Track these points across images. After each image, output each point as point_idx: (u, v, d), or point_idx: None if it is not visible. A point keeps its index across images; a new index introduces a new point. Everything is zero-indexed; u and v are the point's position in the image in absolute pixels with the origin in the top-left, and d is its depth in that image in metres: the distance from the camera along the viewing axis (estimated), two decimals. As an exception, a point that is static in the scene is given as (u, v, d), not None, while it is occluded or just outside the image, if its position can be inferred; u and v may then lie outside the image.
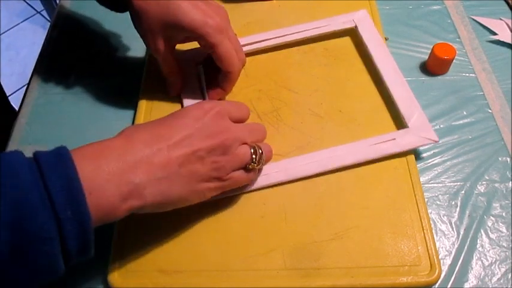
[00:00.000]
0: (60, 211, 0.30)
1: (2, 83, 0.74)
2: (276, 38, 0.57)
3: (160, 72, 0.52)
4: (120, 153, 0.35)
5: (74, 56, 0.59)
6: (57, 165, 0.32)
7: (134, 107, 0.53)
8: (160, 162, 0.36)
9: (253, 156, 0.42)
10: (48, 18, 1.76)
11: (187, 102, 0.52)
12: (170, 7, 0.46)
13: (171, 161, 0.36)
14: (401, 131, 0.48)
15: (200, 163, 0.38)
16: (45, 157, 0.32)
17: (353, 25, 0.58)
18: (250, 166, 0.42)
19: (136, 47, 0.59)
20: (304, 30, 0.57)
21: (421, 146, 0.48)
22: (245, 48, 0.56)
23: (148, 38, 0.48)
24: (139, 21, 0.47)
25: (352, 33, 0.58)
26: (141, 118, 0.51)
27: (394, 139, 0.48)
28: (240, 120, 0.44)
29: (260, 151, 0.42)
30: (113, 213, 0.34)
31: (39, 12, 1.84)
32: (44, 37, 0.62)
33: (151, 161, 0.35)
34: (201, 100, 0.52)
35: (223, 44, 0.47)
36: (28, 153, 0.42)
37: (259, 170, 0.45)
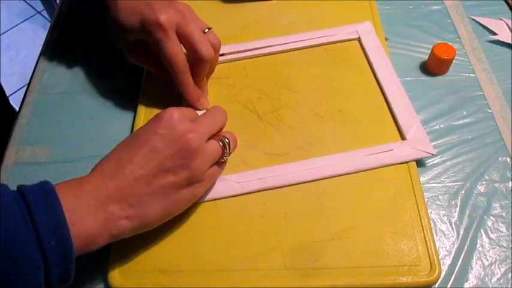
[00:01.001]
0: (45, 241, 0.32)
1: (2, 83, 0.74)
2: (278, 45, 0.57)
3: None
4: (94, 188, 0.36)
5: (74, 56, 0.59)
6: (43, 197, 0.33)
7: (134, 107, 0.53)
8: (128, 187, 0.36)
9: (224, 149, 0.42)
10: (48, 18, 1.76)
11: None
12: (122, 11, 0.47)
13: (137, 183, 0.37)
14: (399, 143, 0.48)
15: (171, 173, 0.38)
16: (30, 190, 0.34)
17: (356, 36, 0.58)
18: (222, 160, 0.43)
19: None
20: (308, 39, 0.57)
21: (418, 158, 0.47)
22: (247, 54, 0.56)
23: (120, 47, 0.50)
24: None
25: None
26: (141, 118, 0.51)
27: (392, 150, 0.48)
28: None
29: (227, 141, 0.43)
30: (94, 243, 0.36)
31: (39, 12, 1.84)
32: (44, 37, 0.63)
33: (120, 190, 0.36)
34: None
35: (163, 41, 0.45)
36: (28, 153, 0.42)
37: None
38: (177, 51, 0.46)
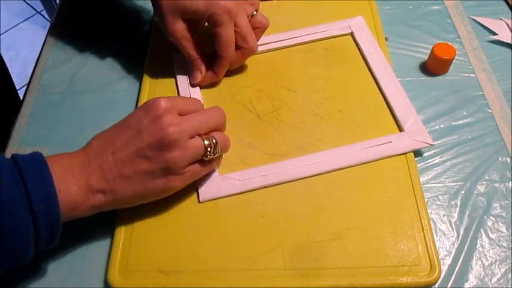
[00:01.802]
0: (35, 204, 0.36)
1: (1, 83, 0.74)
2: (274, 42, 0.57)
3: (160, 73, 0.52)
4: (80, 164, 0.40)
5: (74, 56, 0.59)
6: (34, 166, 0.37)
7: (134, 107, 0.53)
8: (107, 167, 0.40)
9: (208, 148, 0.42)
10: (48, 18, 1.76)
11: (181, 85, 0.54)
12: None
13: (116, 165, 0.40)
14: (397, 135, 0.49)
15: (147, 161, 0.40)
16: (23, 158, 0.38)
17: (349, 31, 0.58)
18: (206, 158, 0.42)
19: (137, 49, 0.59)
20: (302, 36, 0.58)
21: (417, 149, 0.48)
22: None
23: (164, 21, 0.50)
24: (155, 5, 0.50)
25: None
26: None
27: (391, 142, 0.48)
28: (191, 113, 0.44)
29: (214, 141, 0.43)
30: (77, 209, 0.39)
31: (39, 12, 1.84)
32: (44, 37, 0.62)
33: (101, 168, 0.40)
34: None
35: (224, 26, 0.49)
36: (28, 153, 0.42)
37: (220, 157, 0.46)
38: (233, 36, 0.50)
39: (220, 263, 0.42)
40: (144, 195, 0.41)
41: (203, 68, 0.53)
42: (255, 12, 0.52)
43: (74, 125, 0.53)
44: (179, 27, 0.50)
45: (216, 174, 0.47)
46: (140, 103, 0.52)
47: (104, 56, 0.59)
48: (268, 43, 0.57)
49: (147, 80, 0.55)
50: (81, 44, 0.61)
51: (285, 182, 0.46)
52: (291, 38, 0.58)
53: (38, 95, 0.55)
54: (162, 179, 0.41)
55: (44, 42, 0.62)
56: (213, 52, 0.53)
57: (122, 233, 0.43)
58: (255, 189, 0.46)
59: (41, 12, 1.83)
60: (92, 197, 0.40)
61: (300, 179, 0.46)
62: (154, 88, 0.54)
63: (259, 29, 0.54)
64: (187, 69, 0.54)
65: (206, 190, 0.45)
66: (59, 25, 0.63)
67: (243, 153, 0.48)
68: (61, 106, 0.54)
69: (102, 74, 0.57)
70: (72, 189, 0.39)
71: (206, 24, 0.51)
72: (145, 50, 0.58)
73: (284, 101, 0.53)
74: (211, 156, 0.43)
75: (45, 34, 0.63)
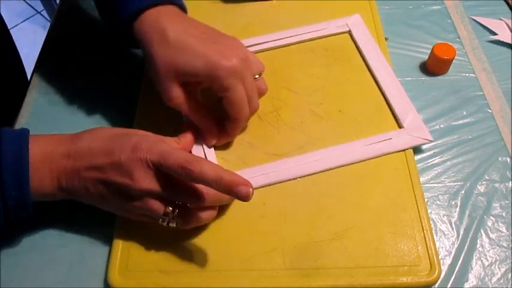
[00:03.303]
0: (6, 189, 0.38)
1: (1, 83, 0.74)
2: (272, 41, 0.57)
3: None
4: (60, 157, 0.41)
5: (74, 56, 0.59)
6: (15, 140, 0.40)
7: (134, 107, 0.53)
8: (78, 175, 0.40)
9: (164, 217, 0.40)
10: (48, 18, 1.76)
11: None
12: (178, 51, 0.43)
13: (85, 178, 0.40)
14: (397, 131, 0.49)
15: (108, 190, 0.40)
16: (8, 131, 0.40)
17: (347, 29, 0.58)
18: (160, 222, 0.40)
19: (137, 48, 0.59)
20: (300, 34, 0.58)
21: (417, 145, 0.48)
22: None
23: (160, 87, 0.45)
24: (149, 68, 0.46)
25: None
26: (141, 118, 0.51)
27: (390, 139, 0.48)
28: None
29: (174, 213, 0.40)
30: (46, 195, 0.41)
31: (39, 12, 1.84)
32: (44, 37, 0.62)
33: (73, 169, 0.41)
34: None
35: (235, 89, 0.44)
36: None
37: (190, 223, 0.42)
38: (245, 97, 0.45)
39: (220, 263, 0.42)
40: (100, 205, 0.42)
41: (214, 131, 0.48)
42: (257, 76, 0.47)
43: (74, 125, 0.52)
44: (176, 94, 0.45)
45: (216, 174, 0.47)
46: (140, 103, 0.52)
47: (105, 56, 0.59)
48: (265, 42, 0.57)
49: (148, 79, 0.55)
50: (81, 44, 0.61)
51: (285, 181, 0.46)
52: (288, 37, 0.58)
53: (38, 95, 0.55)
54: (119, 206, 0.42)
55: (44, 42, 0.62)
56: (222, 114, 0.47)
57: (122, 233, 0.43)
58: (256, 189, 0.46)
59: (41, 12, 1.83)
60: (59, 194, 0.41)
61: (300, 177, 0.46)
62: (154, 89, 0.54)
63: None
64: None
65: (206, 190, 0.45)
66: (58, 25, 0.63)
67: (243, 153, 0.48)
68: (61, 106, 0.54)
69: (103, 73, 0.57)
70: (45, 174, 0.40)
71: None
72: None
73: (284, 101, 0.53)
74: (164, 224, 0.40)
75: (45, 34, 0.63)
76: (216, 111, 0.47)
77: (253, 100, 0.46)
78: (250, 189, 0.38)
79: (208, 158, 0.47)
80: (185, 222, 0.41)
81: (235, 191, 0.38)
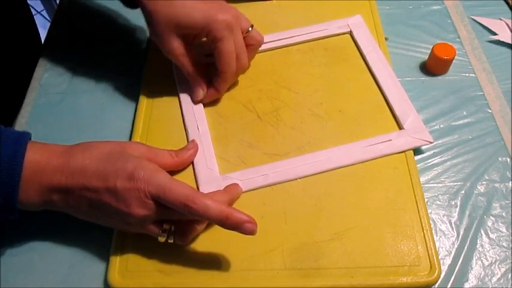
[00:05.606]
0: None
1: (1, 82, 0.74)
2: (272, 41, 0.57)
3: (160, 73, 0.52)
4: (53, 170, 0.40)
5: (74, 56, 0.59)
6: (13, 143, 0.39)
7: (134, 107, 0.53)
8: (72, 194, 0.40)
9: (163, 233, 0.41)
10: (48, 18, 1.76)
11: (184, 98, 0.53)
12: (178, 5, 0.47)
13: (78, 199, 0.40)
14: (397, 133, 0.49)
15: (102, 209, 0.40)
16: (9, 131, 0.40)
17: (348, 30, 0.58)
18: (159, 239, 0.41)
19: (137, 48, 0.59)
20: (301, 35, 0.58)
21: (417, 147, 0.48)
22: None
23: (161, 39, 0.49)
24: (150, 22, 0.49)
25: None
26: (141, 118, 0.51)
27: (390, 140, 0.48)
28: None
29: (171, 230, 0.41)
30: (30, 202, 0.40)
31: (39, 12, 1.84)
32: (44, 37, 0.62)
33: (67, 188, 0.40)
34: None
35: (225, 40, 0.48)
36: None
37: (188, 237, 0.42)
38: (233, 50, 0.49)
39: (220, 263, 0.42)
40: (93, 220, 0.42)
41: (204, 85, 0.52)
42: (250, 28, 0.51)
43: (74, 125, 0.53)
44: (177, 45, 0.49)
45: (216, 174, 0.47)
46: (140, 103, 0.52)
47: (104, 56, 0.59)
48: (265, 42, 0.57)
49: (148, 79, 0.55)
50: (81, 43, 0.61)
51: (285, 181, 0.46)
52: (289, 37, 0.58)
53: (38, 95, 0.55)
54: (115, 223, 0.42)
55: (44, 42, 0.62)
56: (213, 69, 0.51)
57: (122, 233, 0.43)
58: (255, 189, 0.46)
59: (41, 12, 1.83)
60: (46, 207, 0.41)
61: (300, 177, 0.46)
62: (154, 87, 0.54)
63: (253, 46, 0.53)
64: (189, 85, 0.52)
65: (207, 190, 0.45)
66: (59, 25, 0.63)
67: (243, 153, 0.48)
68: (61, 106, 0.54)
69: (102, 74, 0.57)
70: (31, 193, 0.40)
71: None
72: (146, 49, 0.58)
73: (284, 101, 0.53)
74: (163, 240, 0.41)
75: (45, 34, 0.63)
76: (207, 72, 0.52)
77: (242, 56, 0.50)
78: (255, 227, 0.39)
79: (197, 119, 0.51)
80: (183, 237, 0.42)
81: (240, 229, 0.39)
